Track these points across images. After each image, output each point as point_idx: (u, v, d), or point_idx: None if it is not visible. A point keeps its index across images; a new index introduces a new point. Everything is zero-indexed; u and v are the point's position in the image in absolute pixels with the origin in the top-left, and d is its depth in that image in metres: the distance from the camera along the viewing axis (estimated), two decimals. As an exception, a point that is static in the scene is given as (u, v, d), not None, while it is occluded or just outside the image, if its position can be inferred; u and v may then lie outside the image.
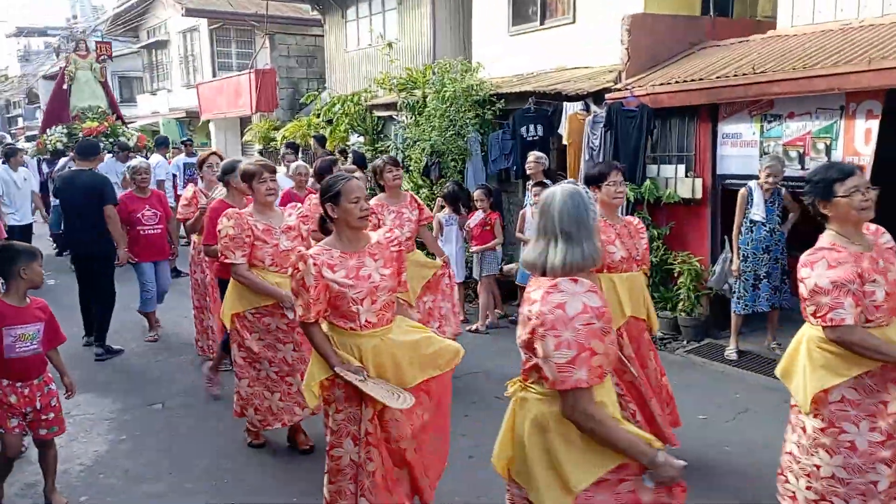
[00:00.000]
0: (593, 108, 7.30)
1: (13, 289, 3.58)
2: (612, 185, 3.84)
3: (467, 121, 8.26)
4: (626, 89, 6.77)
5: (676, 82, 6.37)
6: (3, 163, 9.40)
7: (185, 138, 14.36)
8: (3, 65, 46.13)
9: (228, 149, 17.06)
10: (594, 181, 3.88)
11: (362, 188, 3.07)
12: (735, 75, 5.94)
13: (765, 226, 5.74)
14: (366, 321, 3.01)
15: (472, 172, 8.63)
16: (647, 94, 6.57)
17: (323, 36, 15.43)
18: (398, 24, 12.43)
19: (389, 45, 11.39)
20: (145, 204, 6.65)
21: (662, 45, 7.30)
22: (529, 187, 7.29)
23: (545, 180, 7.15)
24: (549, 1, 9.58)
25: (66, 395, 3.80)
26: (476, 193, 7.28)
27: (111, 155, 10.83)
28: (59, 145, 12.33)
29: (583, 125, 7.29)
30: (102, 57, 14.85)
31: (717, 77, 6.06)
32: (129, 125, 14.34)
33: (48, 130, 12.60)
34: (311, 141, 11.22)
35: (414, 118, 9.10)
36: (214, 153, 6.21)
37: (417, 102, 9.03)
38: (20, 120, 41.36)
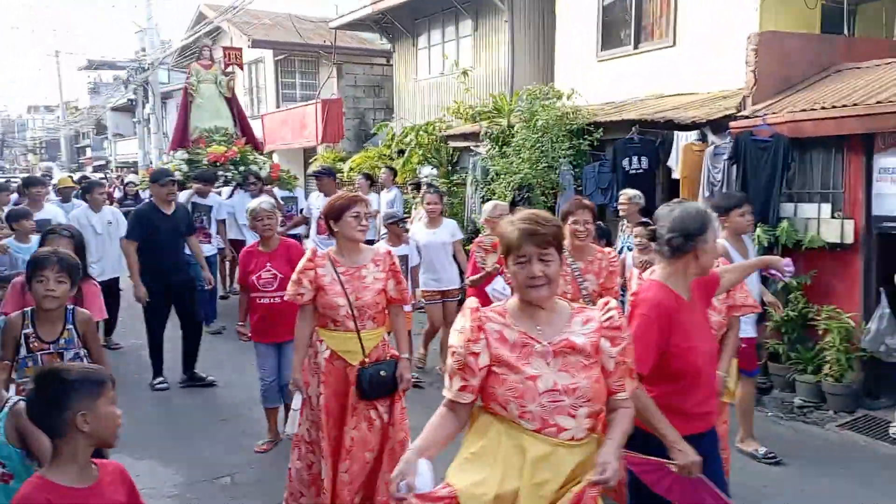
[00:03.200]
0: (712, 137, 6.44)
1: (66, 453, 1.98)
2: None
3: (561, 152, 7.48)
4: (758, 116, 5.90)
5: (823, 108, 5.47)
6: (80, 199, 8.19)
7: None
8: (73, 97, 47.77)
9: (291, 180, 16.72)
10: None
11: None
12: (901, 100, 5.03)
13: (942, 278, 4.76)
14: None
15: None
16: (785, 122, 5.69)
17: (391, 65, 15.01)
18: (473, 50, 11.83)
19: (465, 72, 10.80)
20: (266, 261, 4.73)
21: (793, 68, 6.43)
22: (623, 227, 6.39)
23: (645, 220, 6.30)
24: (646, 23, 8.83)
25: None
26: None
27: (242, 189, 8.89)
28: (179, 175, 9.23)
29: (699, 157, 6.44)
30: (231, 67, 11.42)
31: (878, 102, 5.15)
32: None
33: (164, 157, 10.39)
34: (382, 172, 10.61)
35: (498, 149, 8.38)
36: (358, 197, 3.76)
37: (503, 132, 8.30)
38: (88, 150, 42.58)
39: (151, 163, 22.20)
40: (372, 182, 9.27)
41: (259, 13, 19.00)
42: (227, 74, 10.60)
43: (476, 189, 9.07)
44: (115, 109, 33.55)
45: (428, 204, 6.30)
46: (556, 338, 2.11)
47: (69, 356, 3.10)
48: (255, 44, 17.77)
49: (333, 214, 3.55)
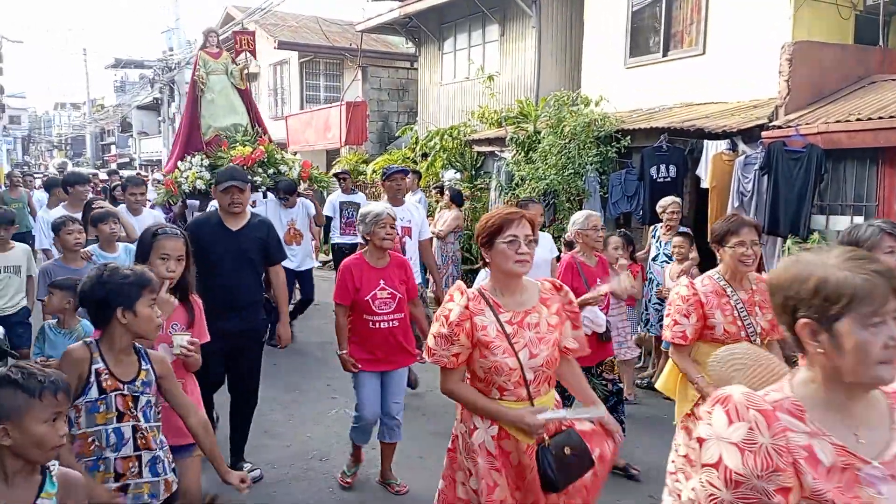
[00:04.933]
0: (742, 147, 6.37)
1: None
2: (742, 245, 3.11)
3: (588, 159, 7.43)
4: (790, 126, 5.83)
5: (858, 119, 5.39)
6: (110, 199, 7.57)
7: (342, 171, 10.29)
8: (100, 94, 48.44)
9: (314, 181, 16.81)
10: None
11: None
12: (940, 112, 4.94)
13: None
14: None
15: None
16: (819, 133, 5.61)
17: (415, 69, 15.05)
18: (499, 56, 11.81)
19: (490, 77, 10.79)
20: (379, 277, 3.97)
21: (827, 78, 6.35)
22: (658, 236, 6.27)
23: (684, 229, 6.22)
24: (675, 31, 8.78)
25: None
26: (612, 240, 6.18)
27: (272, 196, 7.66)
28: (201, 184, 7.87)
29: (729, 167, 6.37)
30: (243, 53, 9.81)
31: (916, 114, 5.07)
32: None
33: (180, 164, 8.32)
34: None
35: (524, 154, 8.35)
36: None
37: (529, 137, 8.27)
38: (113, 147, 43.16)
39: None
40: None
41: (286, 15, 19.16)
42: (239, 63, 9.13)
43: (500, 194, 9.05)
44: (140, 108, 33.98)
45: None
46: (889, 451, 1.35)
47: (143, 403, 2.46)
48: (281, 45, 17.92)
49: (483, 239, 2.55)
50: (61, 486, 1.91)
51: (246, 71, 9.04)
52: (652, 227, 6.60)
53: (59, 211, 6.16)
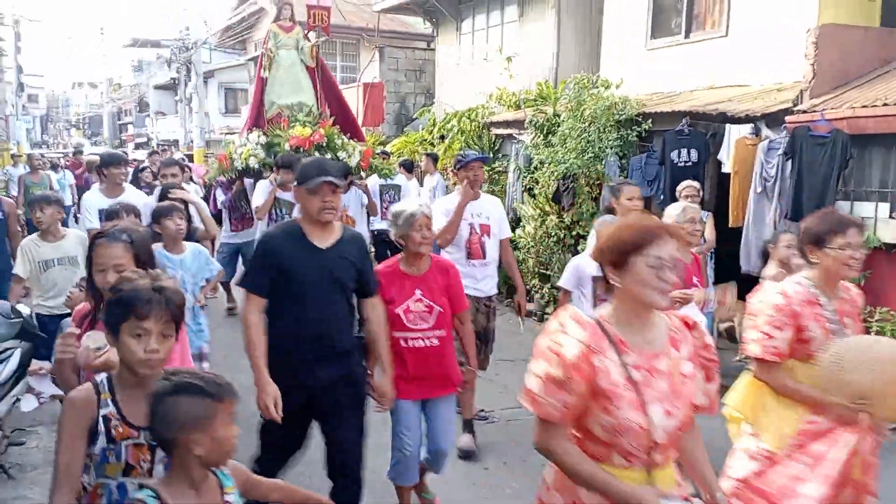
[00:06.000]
0: (765, 131, 6.30)
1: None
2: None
3: (608, 142, 7.39)
4: (816, 111, 5.76)
5: (885, 104, 5.32)
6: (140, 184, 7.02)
7: (381, 150, 9.66)
8: (117, 74, 48.59)
9: (330, 162, 16.83)
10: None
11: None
12: (970, 97, 4.87)
13: None
14: None
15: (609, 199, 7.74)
16: (845, 118, 5.54)
17: (432, 50, 14.97)
18: (518, 36, 11.72)
19: (509, 59, 10.72)
20: (415, 287, 3.37)
21: (853, 62, 6.25)
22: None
23: (705, 213, 6.21)
24: (698, 12, 8.67)
25: None
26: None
27: None
28: (254, 162, 7.28)
29: (752, 152, 6.31)
30: (316, 29, 9.03)
31: (946, 99, 4.99)
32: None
33: (238, 139, 7.90)
34: (423, 158, 10.60)
35: (543, 137, 8.31)
36: None
37: (548, 120, 8.23)
38: (130, 127, 43.41)
39: (192, 141, 22.50)
40: (411, 169, 9.14)
41: (302, -6, 19.07)
42: (310, 39, 8.43)
43: (518, 177, 9.03)
44: (157, 87, 34.13)
45: (630, 199, 4.38)
46: None
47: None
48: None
49: (614, 256, 1.95)
50: (235, 476, 1.92)
51: (317, 48, 8.35)
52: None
53: (96, 195, 5.59)
